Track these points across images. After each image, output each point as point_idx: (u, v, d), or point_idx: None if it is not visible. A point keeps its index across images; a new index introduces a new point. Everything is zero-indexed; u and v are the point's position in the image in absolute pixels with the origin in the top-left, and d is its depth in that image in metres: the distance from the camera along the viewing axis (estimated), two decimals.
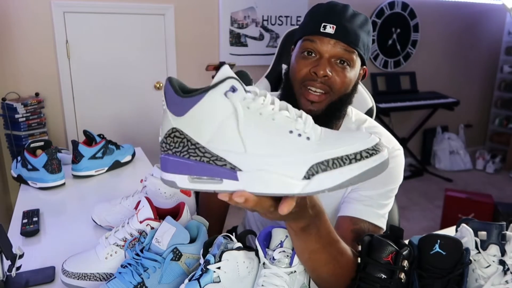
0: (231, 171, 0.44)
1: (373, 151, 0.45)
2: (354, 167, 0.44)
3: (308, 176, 0.44)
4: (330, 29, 0.83)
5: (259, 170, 0.44)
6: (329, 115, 0.89)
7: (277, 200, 0.48)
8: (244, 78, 0.48)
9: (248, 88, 0.47)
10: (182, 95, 0.45)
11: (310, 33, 0.87)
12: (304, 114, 0.48)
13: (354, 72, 0.88)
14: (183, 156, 0.46)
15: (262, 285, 0.65)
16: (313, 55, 0.86)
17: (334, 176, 0.44)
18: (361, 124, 0.98)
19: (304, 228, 0.59)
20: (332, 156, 0.44)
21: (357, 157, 0.44)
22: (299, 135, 0.46)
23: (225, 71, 0.45)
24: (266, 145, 0.45)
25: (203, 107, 0.44)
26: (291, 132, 0.46)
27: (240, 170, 0.44)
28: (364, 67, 0.93)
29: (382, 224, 0.89)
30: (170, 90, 0.46)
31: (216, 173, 0.45)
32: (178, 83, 0.47)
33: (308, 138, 0.46)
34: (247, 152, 0.44)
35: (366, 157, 0.44)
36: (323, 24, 0.84)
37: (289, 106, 0.48)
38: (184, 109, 0.45)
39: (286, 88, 0.93)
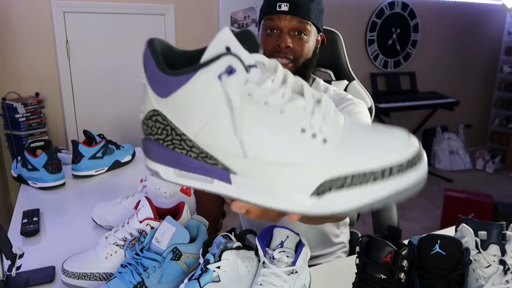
0: (224, 172, 0.36)
1: (408, 163, 0.33)
2: (379, 187, 0.33)
3: (319, 192, 0.34)
4: (284, 7, 0.99)
5: (258, 177, 0.35)
6: None
7: None
8: (249, 40, 0.36)
9: (252, 59, 0.35)
10: (166, 71, 0.35)
11: (268, 13, 1.02)
12: (324, 98, 0.37)
13: (311, 39, 1.03)
14: (167, 146, 0.37)
15: (261, 284, 0.65)
16: (274, 31, 1.02)
17: (351, 196, 0.34)
18: (329, 88, 1.09)
19: (320, 224, 0.60)
20: (353, 170, 0.33)
21: (385, 173, 0.33)
22: (314, 135, 0.35)
23: (223, 37, 0.34)
24: (268, 148, 0.35)
25: (190, 90, 0.34)
26: (303, 131, 0.35)
27: (234, 173, 0.36)
28: (321, 33, 1.07)
29: None
30: (152, 62, 0.35)
31: (205, 171, 0.36)
32: (163, 47, 0.37)
33: (324, 141, 0.35)
34: (244, 156, 0.35)
35: (399, 171, 0.33)
36: (278, 3, 0.99)
37: (306, 86, 0.37)
38: (168, 90, 0.35)
39: None
